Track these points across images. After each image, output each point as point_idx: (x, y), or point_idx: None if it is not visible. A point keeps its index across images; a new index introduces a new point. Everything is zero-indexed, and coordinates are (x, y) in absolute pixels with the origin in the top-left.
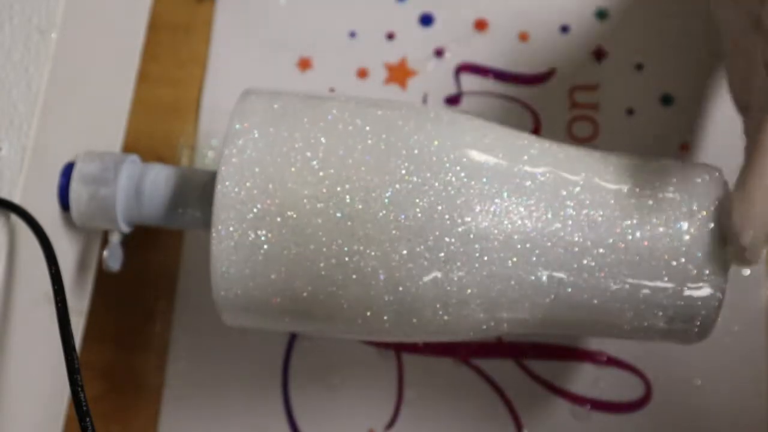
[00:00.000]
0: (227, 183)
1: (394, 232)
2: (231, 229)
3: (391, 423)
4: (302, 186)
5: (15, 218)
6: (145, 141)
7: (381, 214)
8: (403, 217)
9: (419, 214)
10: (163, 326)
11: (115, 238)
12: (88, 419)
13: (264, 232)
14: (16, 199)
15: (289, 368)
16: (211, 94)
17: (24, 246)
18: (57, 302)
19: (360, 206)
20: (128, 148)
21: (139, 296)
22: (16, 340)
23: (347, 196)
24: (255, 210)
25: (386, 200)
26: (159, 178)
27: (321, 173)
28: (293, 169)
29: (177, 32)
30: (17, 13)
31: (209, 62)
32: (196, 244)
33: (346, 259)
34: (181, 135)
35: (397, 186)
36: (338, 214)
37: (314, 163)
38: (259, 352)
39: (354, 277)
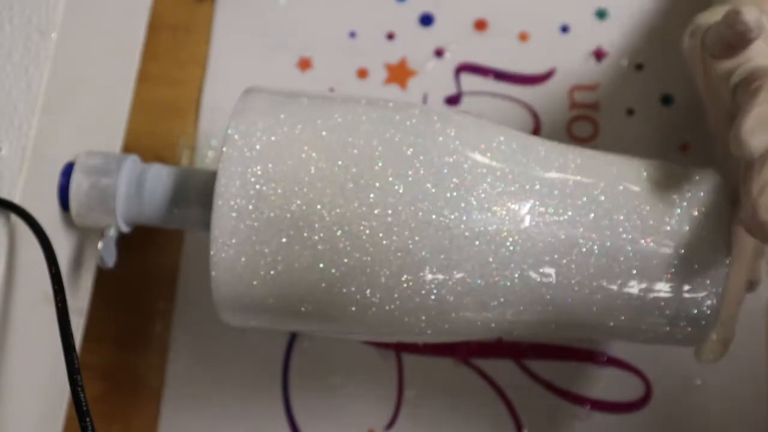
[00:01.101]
0: (233, 147)
1: (396, 196)
2: (233, 190)
3: (391, 423)
4: (310, 149)
5: (15, 218)
6: (145, 141)
7: (380, 183)
8: (407, 181)
9: (424, 184)
10: (163, 326)
11: (111, 232)
12: (88, 419)
13: (270, 194)
14: (16, 199)
15: (289, 368)
16: (211, 94)
17: (24, 246)
18: (57, 302)
19: (365, 172)
20: (128, 148)
21: (139, 296)
22: (16, 340)
23: (352, 163)
24: (259, 172)
25: (390, 166)
26: (159, 178)
27: (328, 139)
28: (303, 135)
29: (177, 32)
30: (17, 13)
31: (209, 62)
32: (196, 245)
33: (348, 222)
34: (181, 135)
35: (401, 155)
36: (342, 179)
37: (323, 132)
38: (259, 352)
39: (357, 243)
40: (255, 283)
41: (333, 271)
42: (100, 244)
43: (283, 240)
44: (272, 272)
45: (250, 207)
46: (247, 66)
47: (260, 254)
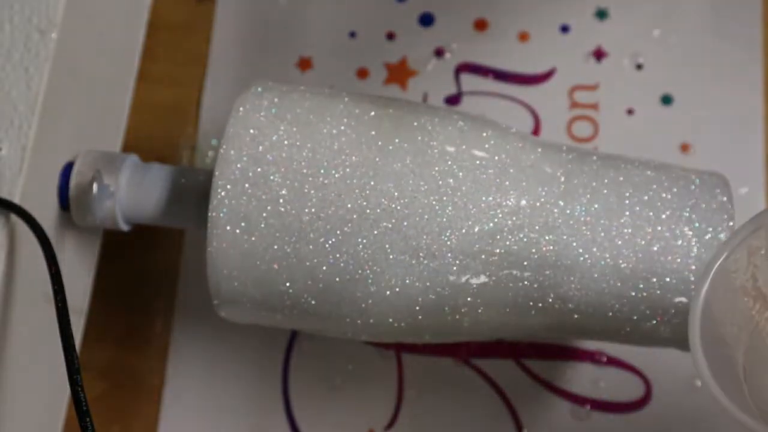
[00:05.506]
0: (232, 144)
1: (406, 198)
2: (231, 188)
3: (391, 423)
4: (311, 148)
5: (15, 218)
6: (145, 141)
7: (386, 188)
8: (413, 183)
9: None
10: (163, 326)
11: (110, 189)
12: (88, 419)
13: (268, 191)
14: (16, 199)
15: (289, 368)
16: (211, 94)
17: (24, 246)
18: (57, 302)
19: (365, 171)
20: (128, 148)
21: (139, 296)
22: (16, 340)
23: (353, 159)
24: (258, 170)
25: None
26: (158, 177)
27: (329, 136)
28: (304, 133)
29: (177, 32)
30: (17, 13)
31: (209, 62)
32: (196, 244)
33: (348, 219)
34: (181, 135)
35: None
36: (343, 176)
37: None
38: (259, 352)
39: (357, 242)
40: (253, 278)
41: (331, 269)
42: (95, 186)
43: (282, 238)
44: (270, 268)
45: (248, 205)
46: (247, 66)
47: (258, 250)
